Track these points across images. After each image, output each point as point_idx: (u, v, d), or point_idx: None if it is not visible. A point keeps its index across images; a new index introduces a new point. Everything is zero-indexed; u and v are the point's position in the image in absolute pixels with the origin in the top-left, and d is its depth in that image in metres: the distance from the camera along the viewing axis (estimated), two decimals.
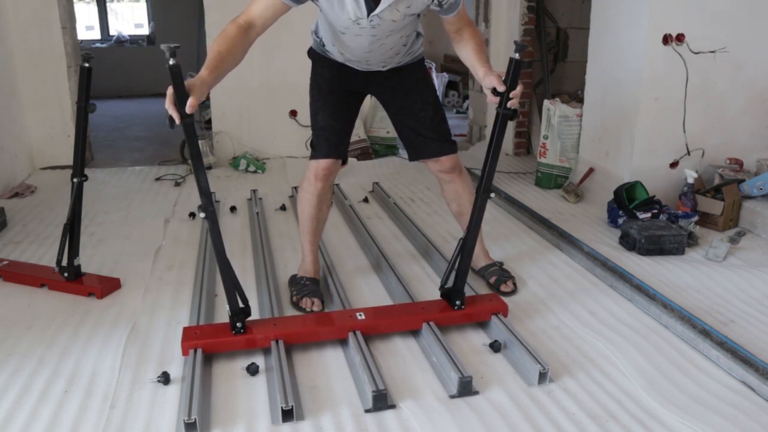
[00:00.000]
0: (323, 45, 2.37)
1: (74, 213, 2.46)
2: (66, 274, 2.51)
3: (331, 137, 2.39)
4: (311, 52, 2.46)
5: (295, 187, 3.86)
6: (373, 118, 4.96)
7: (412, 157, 2.54)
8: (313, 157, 2.43)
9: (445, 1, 2.10)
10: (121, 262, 2.82)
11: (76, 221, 2.48)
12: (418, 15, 2.20)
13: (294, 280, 2.51)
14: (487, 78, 2.06)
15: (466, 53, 2.23)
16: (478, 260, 2.64)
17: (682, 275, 2.67)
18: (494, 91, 2.01)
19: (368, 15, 2.05)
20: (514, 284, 2.54)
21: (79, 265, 2.54)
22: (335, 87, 2.41)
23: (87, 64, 2.33)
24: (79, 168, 2.44)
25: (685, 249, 2.90)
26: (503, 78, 2.00)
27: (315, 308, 2.34)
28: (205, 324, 2.17)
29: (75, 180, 2.45)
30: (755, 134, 3.47)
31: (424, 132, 2.45)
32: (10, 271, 2.63)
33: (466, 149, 5.30)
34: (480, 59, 2.18)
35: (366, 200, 3.79)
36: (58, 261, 2.51)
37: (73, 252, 2.50)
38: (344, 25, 2.12)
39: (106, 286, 2.51)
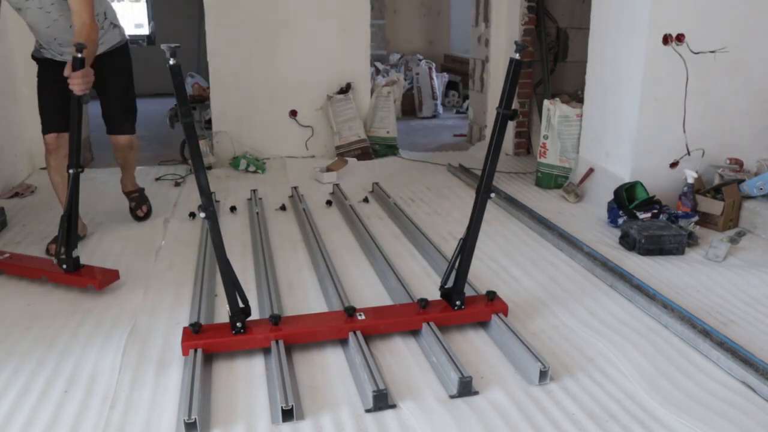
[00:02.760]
0: (38, 47, 3.00)
1: (71, 205, 2.47)
2: (65, 266, 2.51)
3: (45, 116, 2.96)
4: (33, 58, 3.05)
5: (295, 187, 3.87)
6: (372, 118, 4.97)
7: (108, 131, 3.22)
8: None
9: None
10: (121, 262, 2.81)
11: (74, 213, 2.49)
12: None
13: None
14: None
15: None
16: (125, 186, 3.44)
17: (682, 275, 2.67)
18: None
19: None
20: (149, 210, 3.42)
21: (77, 257, 2.54)
22: (47, 80, 2.95)
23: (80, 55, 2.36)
24: (75, 160, 2.46)
25: (685, 249, 2.90)
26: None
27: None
28: (206, 324, 2.17)
29: (71, 171, 2.46)
30: (755, 134, 3.47)
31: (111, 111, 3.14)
32: (10, 264, 2.63)
33: (466, 149, 5.31)
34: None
35: (366, 200, 3.78)
36: (57, 253, 2.51)
37: (72, 244, 2.51)
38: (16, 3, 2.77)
39: (105, 277, 2.51)
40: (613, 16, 3.52)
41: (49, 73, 2.90)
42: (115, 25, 3.05)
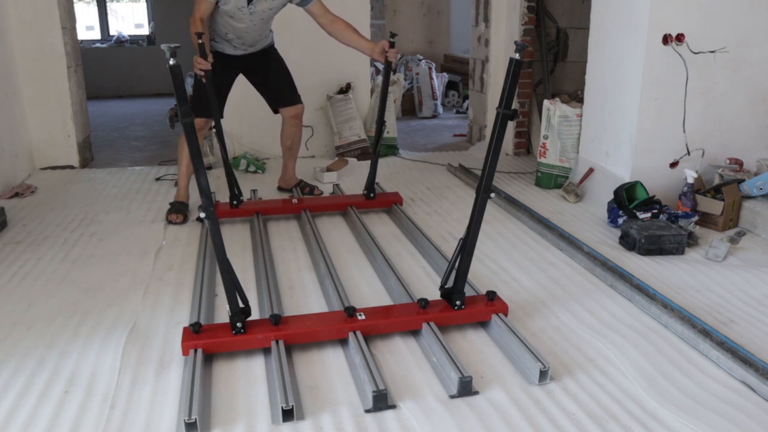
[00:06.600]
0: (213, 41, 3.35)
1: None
2: (372, 195, 3.52)
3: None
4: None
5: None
6: (372, 118, 4.96)
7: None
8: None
9: None
10: (121, 262, 2.82)
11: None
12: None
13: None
14: (377, 45, 3.09)
15: (349, 36, 3.18)
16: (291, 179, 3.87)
17: (682, 275, 2.67)
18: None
19: (247, 5, 3.12)
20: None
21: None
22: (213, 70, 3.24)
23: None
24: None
25: (685, 249, 2.90)
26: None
27: (178, 220, 3.33)
28: (206, 324, 2.17)
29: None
30: (755, 134, 3.47)
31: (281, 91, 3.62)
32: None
33: (466, 149, 5.31)
34: (363, 38, 3.20)
35: None
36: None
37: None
38: (232, 11, 3.14)
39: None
40: (612, 16, 3.52)
41: (216, 65, 3.20)
42: (271, 30, 3.53)
